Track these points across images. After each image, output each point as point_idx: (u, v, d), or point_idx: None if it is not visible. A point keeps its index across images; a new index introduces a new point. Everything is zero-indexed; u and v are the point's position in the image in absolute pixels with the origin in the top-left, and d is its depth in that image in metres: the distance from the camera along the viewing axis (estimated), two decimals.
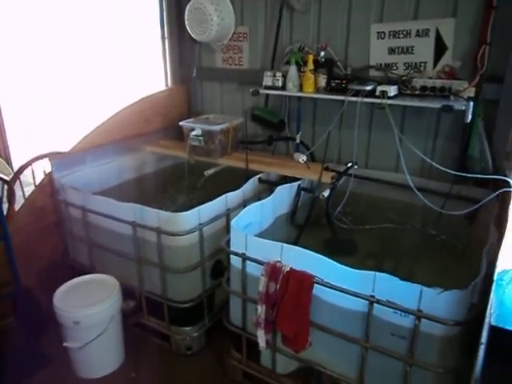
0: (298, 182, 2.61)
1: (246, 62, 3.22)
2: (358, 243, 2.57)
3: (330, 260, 1.67)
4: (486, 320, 1.38)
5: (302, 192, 2.63)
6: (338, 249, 2.49)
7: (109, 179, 2.97)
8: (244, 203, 2.52)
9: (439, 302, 1.48)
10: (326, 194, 2.51)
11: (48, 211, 2.68)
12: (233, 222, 1.95)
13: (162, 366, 2.35)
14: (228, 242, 1.98)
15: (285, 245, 1.78)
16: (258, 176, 2.69)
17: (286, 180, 2.78)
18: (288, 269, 1.74)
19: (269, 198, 2.35)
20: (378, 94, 2.39)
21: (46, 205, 2.66)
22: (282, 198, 2.53)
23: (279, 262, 1.79)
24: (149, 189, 3.19)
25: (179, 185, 3.16)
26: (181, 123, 2.94)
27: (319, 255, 1.69)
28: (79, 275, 2.50)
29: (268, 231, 2.39)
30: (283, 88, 2.79)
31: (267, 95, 3.08)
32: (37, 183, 2.72)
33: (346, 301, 1.66)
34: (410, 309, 1.52)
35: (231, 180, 2.92)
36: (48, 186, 2.64)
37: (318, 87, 2.70)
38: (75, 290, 2.25)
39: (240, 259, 1.91)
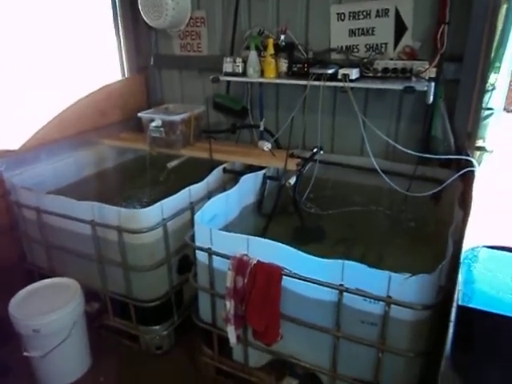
0: (264, 171, 2.55)
1: (205, 48, 3.11)
2: (326, 229, 2.55)
3: (298, 251, 1.62)
4: (454, 301, 1.38)
5: (268, 180, 2.57)
6: (307, 236, 2.46)
7: (65, 176, 2.81)
8: (209, 195, 2.44)
9: (408, 287, 1.46)
10: (293, 181, 2.47)
11: (0, 213, 2.52)
12: (196, 216, 1.88)
13: (131, 367, 2.27)
14: (193, 237, 1.90)
15: (251, 237, 1.72)
16: (222, 166, 2.61)
17: (251, 169, 2.72)
18: (255, 262, 1.69)
19: (234, 188, 2.28)
20: (340, 77, 2.34)
21: None
22: (248, 187, 2.47)
23: (246, 255, 1.73)
24: (109, 185, 3.05)
25: (141, 179, 3.04)
26: (139, 114, 2.81)
27: (286, 246, 1.64)
28: (39, 279, 2.37)
29: (234, 223, 2.33)
30: (244, 74, 2.70)
31: (228, 82, 2.98)
32: None
33: (316, 291, 1.62)
34: (380, 295, 1.50)
35: (195, 171, 2.83)
36: None
37: (280, 72, 2.63)
38: (33, 296, 2.12)
39: (206, 254, 1.84)
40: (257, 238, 1.72)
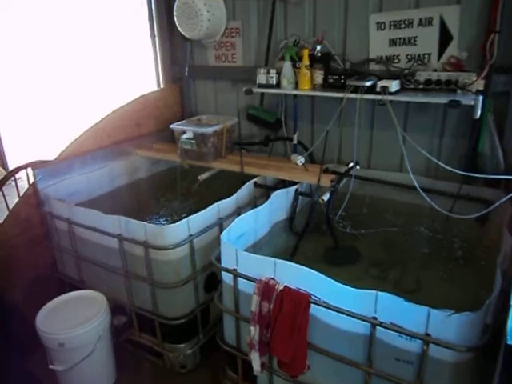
0: (296, 186, 2.45)
1: (240, 59, 3.06)
2: (361, 250, 2.41)
3: (328, 278, 1.51)
4: (503, 341, 1.23)
5: (300, 196, 2.47)
6: (340, 257, 2.35)
7: (99, 187, 2.83)
8: (238, 211, 2.37)
9: (449, 325, 1.32)
10: (326, 197, 2.35)
11: (34, 223, 2.56)
12: (222, 235, 1.81)
13: None
14: (219, 256, 1.83)
15: (278, 260, 1.63)
16: (253, 180, 2.54)
17: (284, 184, 2.63)
18: (282, 287, 1.59)
19: (264, 204, 2.20)
20: (378, 89, 2.22)
21: (31, 216, 2.53)
22: (279, 203, 2.38)
23: (272, 279, 1.64)
24: (141, 196, 3.06)
25: (173, 191, 3.02)
26: (171, 126, 2.79)
27: (316, 272, 1.54)
28: (69, 289, 2.39)
29: (264, 241, 2.25)
30: (278, 86, 2.62)
31: (262, 93, 2.92)
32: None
33: (347, 322, 1.50)
34: (417, 333, 1.37)
35: (227, 184, 2.78)
36: (33, 197, 2.51)
37: (315, 84, 2.53)
38: (59, 308, 2.12)
39: (231, 275, 1.77)
40: (284, 261, 1.62)
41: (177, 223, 2.01)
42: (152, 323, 2.21)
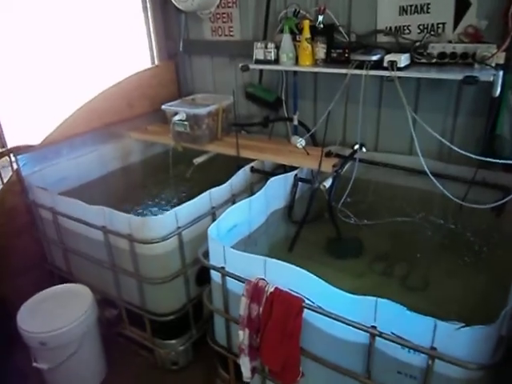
0: (295, 172, 2.27)
1: (237, 32, 2.83)
2: (365, 242, 2.24)
3: (323, 281, 1.35)
4: None
5: (300, 183, 2.29)
6: (343, 249, 2.18)
7: (89, 172, 2.69)
8: (233, 199, 2.20)
9: (459, 338, 1.15)
10: (328, 184, 2.17)
11: (21, 211, 2.43)
12: (210, 229, 1.65)
13: (145, 382, 2.12)
14: (207, 252, 1.68)
15: (268, 259, 1.47)
16: (249, 165, 2.36)
17: (284, 168, 2.46)
18: (272, 289, 1.44)
19: (259, 192, 2.03)
20: (385, 64, 2.00)
21: (17, 205, 2.40)
22: (277, 190, 2.21)
23: (263, 279, 1.48)
24: (134, 181, 2.90)
25: (167, 175, 2.86)
26: (163, 107, 2.61)
27: (310, 274, 1.38)
28: (59, 281, 2.28)
29: (260, 231, 2.09)
30: (276, 61, 2.40)
31: (261, 70, 2.71)
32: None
33: (344, 330, 1.35)
34: (421, 346, 1.21)
35: (225, 168, 2.61)
36: (17, 185, 2.38)
37: (317, 59, 2.31)
38: (42, 304, 2.01)
39: (219, 274, 1.62)
40: (275, 260, 1.46)
41: (163, 215, 1.86)
42: (142, 318, 2.10)
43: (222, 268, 1.59)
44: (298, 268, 1.41)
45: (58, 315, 1.92)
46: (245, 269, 1.54)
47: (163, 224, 1.85)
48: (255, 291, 1.47)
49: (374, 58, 2.03)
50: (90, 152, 2.70)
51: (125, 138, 2.92)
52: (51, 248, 2.42)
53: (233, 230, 1.88)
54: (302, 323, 1.40)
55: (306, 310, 1.39)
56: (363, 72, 2.06)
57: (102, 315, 2.18)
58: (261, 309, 1.46)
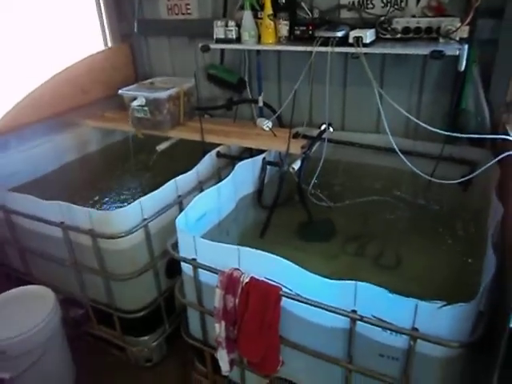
0: (263, 155, 2.20)
1: (195, 10, 2.69)
2: (336, 223, 2.22)
3: (300, 268, 1.30)
4: (506, 326, 1.07)
5: (269, 166, 2.23)
6: (314, 233, 2.15)
7: (43, 165, 2.51)
8: (201, 186, 2.11)
9: (440, 317, 1.14)
10: (297, 166, 2.12)
11: None
12: (178, 220, 1.56)
13: (119, 382, 2.03)
14: (176, 243, 1.60)
15: (242, 248, 1.40)
16: (215, 150, 2.27)
17: (251, 152, 2.38)
18: (247, 279, 1.38)
19: (227, 178, 1.94)
20: (351, 41, 1.94)
21: None
22: (245, 175, 2.13)
23: (237, 269, 1.42)
24: (94, 172, 2.74)
25: (129, 165, 2.72)
26: (120, 91, 2.45)
27: (286, 261, 1.32)
28: (18, 283, 2.12)
29: (230, 219, 2.02)
30: (238, 40, 2.30)
31: (222, 50, 2.59)
32: None
33: (324, 316, 1.31)
34: (403, 328, 1.18)
35: (190, 154, 2.51)
36: None
37: (280, 36, 2.22)
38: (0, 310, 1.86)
39: (191, 266, 1.54)
40: (249, 249, 1.39)
41: (127, 207, 1.74)
42: (111, 316, 1.99)
43: (194, 260, 1.52)
44: (273, 256, 1.35)
45: (17, 321, 1.78)
46: (217, 259, 1.46)
47: (127, 217, 1.74)
48: (230, 282, 1.41)
49: (339, 34, 1.98)
50: (42, 143, 2.52)
51: (81, 127, 2.74)
52: (5, 248, 2.24)
53: (202, 219, 1.80)
54: (281, 312, 1.36)
55: (284, 298, 1.34)
56: (328, 49, 2.00)
57: (66, 316, 2.06)
58: (237, 300, 1.40)
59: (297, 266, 1.30)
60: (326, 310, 1.27)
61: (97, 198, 2.52)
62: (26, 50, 2.63)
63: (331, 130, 2.35)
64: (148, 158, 2.66)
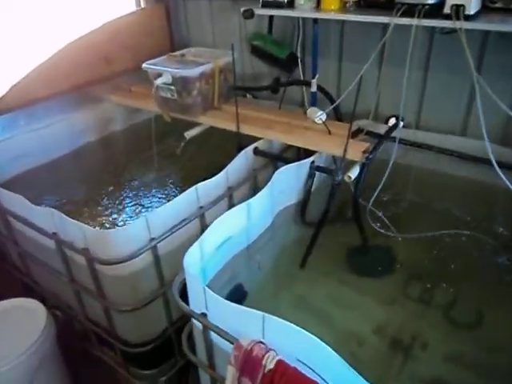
0: (311, 158, 1.72)
1: None
2: (397, 253, 1.73)
3: (346, 364, 0.86)
4: None
5: (317, 172, 1.75)
6: (368, 264, 1.70)
7: (55, 147, 2.18)
8: (230, 193, 1.68)
9: None
10: (354, 174, 1.64)
11: None
12: (186, 258, 1.15)
13: None
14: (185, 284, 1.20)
15: (268, 316, 0.97)
16: (252, 146, 1.82)
17: (297, 150, 1.92)
18: (273, 364, 0.96)
19: (263, 191, 1.50)
20: (447, 11, 1.40)
21: None
22: (286, 183, 1.67)
23: (260, 343, 1.00)
24: (111, 158, 2.38)
25: (152, 152, 2.34)
26: (143, 65, 2.03)
27: (332, 351, 0.88)
28: (21, 285, 1.87)
29: (263, 240, 1.59)
30: (291, 4, 1.79)
31: (271, 17, 2.08)
32: None
33: None
34: None
35: (225, 142, 2.10)
36: None
37: (346, 1, 1.69)
38: None
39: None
40: (281, 320, 0.96)
41: (129, 225, 1.36)
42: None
43: (203, 315, 1.11)
44: (314, 338, 0.91)
45: (3, 345, 1.49)
46: (234, 322, 1.06)
47: (130, 237, 1.35)
48: (248, 361, 0.99)
49: (430, 0, 1.42)
50: (56, 122, 2.18)
51: (102, 103, 2.37)
52: (8, 246, 1.96)
53: (226, 245, 1.38)
54: None
55: None
56: (414, 21, 1.46)
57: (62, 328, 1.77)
58: None
59: (342, 360, 0.87)
60: None
61: (111, 188, 2.18)
62: (45, 10, 2.26)
63: (401, 124, 1.83)
64: (176, 144, 2.25)
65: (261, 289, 1.62)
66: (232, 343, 1.03)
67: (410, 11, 1.46)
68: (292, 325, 0.94)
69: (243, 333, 1.04)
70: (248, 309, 1.00)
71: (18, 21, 2.12)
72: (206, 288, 1.06)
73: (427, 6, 1.43)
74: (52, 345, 1.61)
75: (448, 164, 1.81)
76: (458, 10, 1.37)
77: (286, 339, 0.97)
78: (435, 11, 1.43)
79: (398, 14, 1.47)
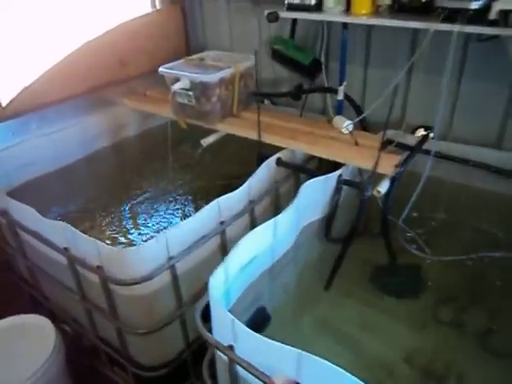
0: (339, 172, 1.61)
1: None
2: (427, 272, 1.62)
3: None
4: None
5: (344, 186, 1.64)
6: (396, 284, 1.59)
7: (67, 153, 2.09)
8: (251, 207, 1.58)
9: None
10: (384, 189, 1.53)
11: None
12: (211, 282, 1.05)
13: None
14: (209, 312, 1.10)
15: (305, 354, 0.87)
16: (275, 156, 1.72)
17: (320, 162, 1.82)
18: None
19: (289, 208, 1.39)
20: (494, 17, 1.30)
21: None
22: (312, 197, 1.57)
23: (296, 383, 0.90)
24: (124, 165, 2.29)
25: (167, 160, 2.24)
26: (160, 69, 1.93)
27: None
28: (29, 297, 1.78)
29: (286, 259, 1.48)
30: (318, 7, 1.69)
31: (294, 21, 1.98)
32: None
33: None
34: None
35: (243, 151, 2.00)
36: None
37: (379, 5, 1.59)
38: None
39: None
40: (318, 359, 0.86)
41: (146, 243, 1.26)
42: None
43: (230, 348, 1.01)
44: (357, 379, 0.81)
45: (8, 368, 1.40)
46: (265, 356, 0.95)
47: (147, 256, 1.26)
48: None
49: (475, 4, 1.32)
50: (68, 126, 2.09)
51: (115, 107, 2.28)
52: (16, 257, 1.87)
53: (249, 267, 1.28)
54: None
55: None
56: (455, 28, 1.35)
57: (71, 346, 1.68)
58: None
59: None
60: None
61: (125, 197, 2.09)
62: (59, 10, 2.17)
63: (431, 135, 1.73)
64: (191, 151, 2.16)
65: (283, 311, 1.52)
66: (263, 381, 0.93)
67: (451, 17, 1.36)
68: (333, 365, 0.84)
69: (274, 368, 0.94)
70: (283, 345, 0.90)
71: (21, 22, 2.04)
72: (236, 320, 0.96)
73: (471, 12, 1.32)
74: (60, 368, 1.51)
75: (481, 177, 1.70)
76: (506, 16, 1.26)
77: (324, 380, 0.87)
78: (479, 17, 1.33)
79: (440, 19, 1.37)
